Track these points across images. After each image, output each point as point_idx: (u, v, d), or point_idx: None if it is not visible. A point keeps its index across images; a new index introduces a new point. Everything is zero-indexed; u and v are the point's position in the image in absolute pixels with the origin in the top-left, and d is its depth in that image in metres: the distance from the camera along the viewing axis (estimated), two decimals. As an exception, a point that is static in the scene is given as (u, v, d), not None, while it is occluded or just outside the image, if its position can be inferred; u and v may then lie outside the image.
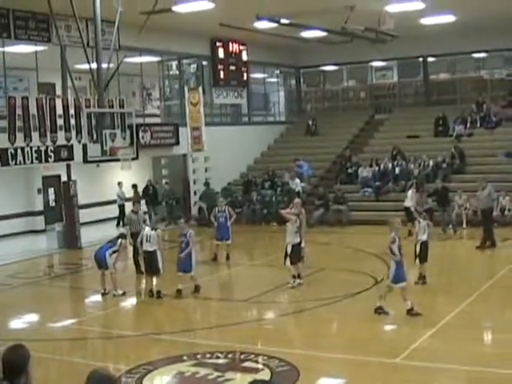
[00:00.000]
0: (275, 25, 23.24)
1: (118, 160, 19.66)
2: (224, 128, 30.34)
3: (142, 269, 16.39)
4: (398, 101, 34.42)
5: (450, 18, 25.62)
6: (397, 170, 26.53)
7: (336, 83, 36.42)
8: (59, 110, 21.49)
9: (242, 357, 10.66)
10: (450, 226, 22.48)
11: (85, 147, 20.63)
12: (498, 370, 9.70)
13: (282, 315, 13.94)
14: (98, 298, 15.94)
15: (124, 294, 15.68)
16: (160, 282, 15.45)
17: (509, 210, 23.18)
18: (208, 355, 10.80)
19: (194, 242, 15.58)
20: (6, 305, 15.59)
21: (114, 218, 27.70)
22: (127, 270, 18.21)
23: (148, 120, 27.11)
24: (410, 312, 12.57)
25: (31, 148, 20.52)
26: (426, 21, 25.81)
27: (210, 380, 9.88)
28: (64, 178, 23.35)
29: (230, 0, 20.96)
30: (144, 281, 16.24)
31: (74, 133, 21.78)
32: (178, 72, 29.81)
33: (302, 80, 36.64)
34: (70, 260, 21.33)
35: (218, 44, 29.53)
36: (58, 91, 24.35)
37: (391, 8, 22.26)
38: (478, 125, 28.57)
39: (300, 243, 15.78)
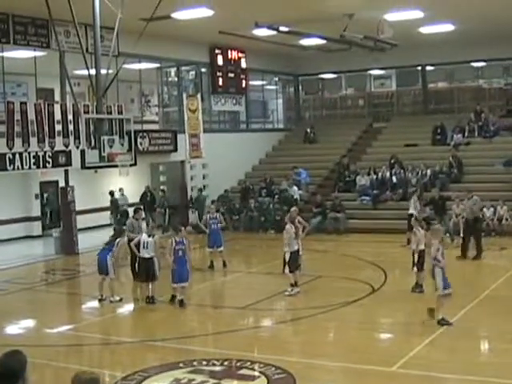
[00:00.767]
0: (274, 32, 23.33)
1: (116, 166, 19.65)
2: (222, 135, 30.36)
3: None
4: (396, 109, 34.50)
5: (448, 27, 25.69)
6: (394, 179, 26.55)
7: (334, 91, 36.49)
8: (57, 116, 21.47)
9: (239, 364, 10.63)
10: (448, 235, 22.45)
11: (83, 153, 20.64)
12: (494, 379, 9.67)
13: (278, 323, 13.92)
14: (94, 304, 15.91)
15: (121, 300, 15.65)
16: (155, 288, 15.40)
17: (506, 220, 23.20)
18: (204, 362, 10.77)
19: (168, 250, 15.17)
20: (3, 310, 15.53)
21: (111, 225, 27.65)
22: (124, 276, 18.17)
23: (146, 126, 27.13)
24: (440, 321, 12.40)
25: (29, 153, 20.50)
26: (425, 30, 25.90)
27: (206, 387, 9.86)
28: (62, 184, 23.34)
29: (230, 7, 21.00)
30: (139, 287, 16.18)
31: (72, 138, 21.75)
32: (176, 79, 29.87)
33: (300, 88, 36.71)
34: (67, 266, 21.27)
35: (216, 51, 29.59)
36: (57, 97, 24.39)
37: (390, 17, 22.33)
38: (476, 134, 28.63)
39: (298, 251, 15.76)
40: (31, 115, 20.59)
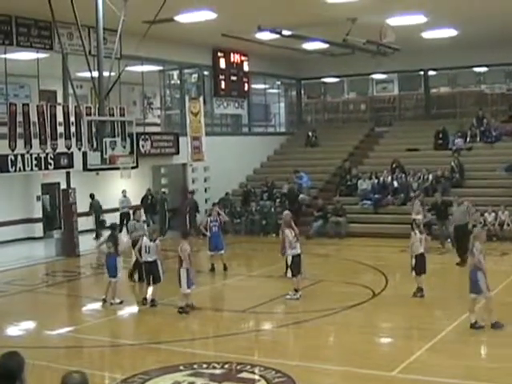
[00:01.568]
0: (277, 36, 23.32)
1: (118, 168, 19.65)
2: (224, 138, 30.35)
3: (135, 277, 16.37)
4: (398, 114, 34.50)
5: (451, 32, 25.72)
6: (396, 184, 26.54)
7: (337, 95, 36.50)
8: (60, 118, 21.55)
9: (239, 367, 10.62)
10: (449, 240, 22.43)
11: (85, 155, 20.63)
12: (495, 384, 9.69)
13: (279, 326, 13.90)
14: (95, 306, 15.92)
15: (121, 302, 15.65)
16: (157, 291, 15.42)
17: (508, 225, 23.18)
18: (205, 365, 10.77)
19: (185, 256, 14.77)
20: (3, 312, 15.55)
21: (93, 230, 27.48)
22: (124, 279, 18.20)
23: (148, 129, 27.14)
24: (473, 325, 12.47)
25: (31, 155, 20.55)
26: (428, 34, 25.92)
27: (206, 390, 9.86)
28: (63, 186, 23.35)
29: (232, 11, 21.02)
30: (143, 289, 16.20)
31: (74, 140, 21.83)
32: (179, 81, 29.85)
33: (302, 91, 36.72)
34: (68, 268, 21.28)
35: (219, 54, 29.59)
36: (59, 99, 24.41)
37: (393, 21, 22.35)
38: (478, 139, 28.62)
39: (300, 254, 15.73)
40: (33, 117, 20.66)
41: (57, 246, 23.11)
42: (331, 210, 26.16)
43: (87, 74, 19.94)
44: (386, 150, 30.36)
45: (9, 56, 21.38)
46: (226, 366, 10.74)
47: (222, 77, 29.84)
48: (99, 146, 19.06)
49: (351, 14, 21.74)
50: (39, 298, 17.57)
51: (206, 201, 28.89)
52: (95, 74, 19.45)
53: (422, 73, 33.26)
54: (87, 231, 25.94)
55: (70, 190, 23.00)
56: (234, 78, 30.42)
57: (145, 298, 15.34)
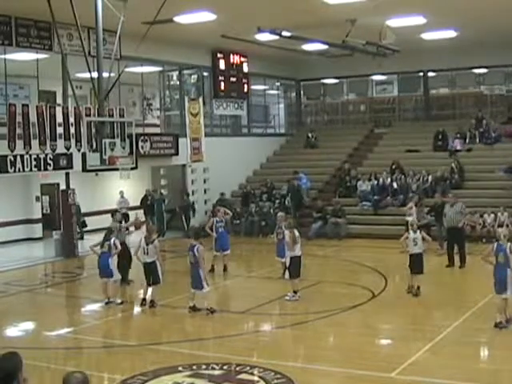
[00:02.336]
0: (276, 37, 23.33)
1: (117, 169, 19.66)
2: (223, 139, 30.36)
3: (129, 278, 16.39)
4: (397, 115, 34.48)
5: (450, 34, 25.74)
6: (395, 185, 26.53)
7: (336, 96, 36.47)
8: (59, 118, 21.54)
9: (238, 369, 10.61)
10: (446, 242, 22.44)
11: (84, 156, 20.63)
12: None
13: (278, 328, 13.90)
14: (94, 307, 15.92)
15: (122, 303, 15.65)
16: (157, 292, 15.41)
17: (507, 226, 23.15)
18: (204, 366, 10.76)
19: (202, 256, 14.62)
20: (2, 312, 15.54)
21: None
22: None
23: (148, 130, 27.13)
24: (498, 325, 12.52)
25: (30, 156, 20.55)
26: (427, 36, 25.95)
27: (205, 391, 9.86)
28: (63, 187, 23.35)
29: (232, 12, 21.02)
30: (142, 290, 16.21)
31: (73, 141, 21.82)
32: (178, 82, 29.84)
33: (302, 93, 36.71)
34: (67, 268, 21.27)
35: (219, 55, 29.58)
36: (59, 99, 24.40)
37: (393, 22, 22.36)
38: (478, 140, 28.63)
39: (300, 256, 15.71)
40: (33, 117, 20.65)
41: (56, 246, 23.09)
42: (330, 211, 26.15)
43: (87, 75, 19.95)
44: (386, 151, 30.36)
45: (8, 56, 21.37)
46: (226, 367, 10.74)
47: (221, 78, 29.83)
48: (98, 146, 19.07)
49: (351, 15, 21.75)
50: (38, 299, 17.55)
51: (205, 202, 28.91)
52: (95, 74, 19.47)
53: (421, 74, 33.26)
54: (86, 232, 25.93)
55: (70, 191, 22.99)
56: (233, 79, 30.41)
57: (144, 299, 15.33)
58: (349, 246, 24.14)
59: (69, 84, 20.86)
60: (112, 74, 20.13)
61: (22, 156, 20.27)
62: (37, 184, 26.28)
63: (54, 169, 21.52)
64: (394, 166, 27.43)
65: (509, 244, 12.75)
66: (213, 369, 10.66)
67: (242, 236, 26.47)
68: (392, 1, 20.15)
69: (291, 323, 14.04)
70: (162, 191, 29.10)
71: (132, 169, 20.18)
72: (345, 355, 11.62)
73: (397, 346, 12.42)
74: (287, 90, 36.67)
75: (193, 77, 30.69)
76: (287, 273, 15.73)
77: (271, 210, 27.30)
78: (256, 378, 10.28)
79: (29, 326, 14.81)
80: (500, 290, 12.59)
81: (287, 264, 15.66)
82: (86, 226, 26.70)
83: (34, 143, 20.67)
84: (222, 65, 29.77)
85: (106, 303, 15.63)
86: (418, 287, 15.51)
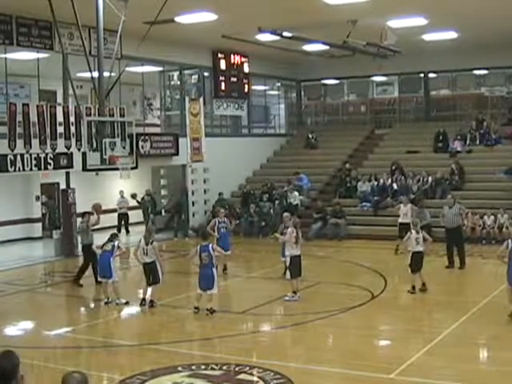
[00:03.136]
0: (277, 38, 23.35)
1: (117, 169, 19.65)
2: (224, 139, 30.36)
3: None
4: (398, 116, 34.49)
5: (451, 35, 25.75)
6: (395, 186, 26.52)
7: (336, 97, 36.49)
8: (60, 118, 21.54)
9: (237, 369, 10.60)
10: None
11: (84, 155, 20.62)
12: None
13: (277, 328, 13.90)
14: (93, 306, 15.89)
15: (127, 303, 15.61)
16: (157, 292, 15.41)
17: (507, 228, 23.15)
18: (203, 366, 10.75)
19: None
20: (2, 311, 15.53)
21: (111, 227, 27.51)
22: (125, 280, 18.21)
23: (148, 130, 27.15)
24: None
25: (31, 155, 20.55)
26: (428, 37, 25.97)
27: (204, 392, 9.85)
28: (63, 186, 23.35)
29: (233, 12, 21.02)
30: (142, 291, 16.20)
31: (73, 141, 21.82)
32: (179, 82, 29.86)
33: (302, 93, 36.73)
34: (67, 268, 21.24)
35: (219, 55, 29.59)
36: (59, 99, 24.41)
37: (393, 23, 22.36)
38: (478, 142, 28.63)
39: (299, 256, 15.70)
40: (33, 117, 20.66)
41: (56, 246, 23.08)
42: (330, 211, 26.15)
43: (87, 75, 19.96)
44: (386, 152, 30.37)
45: (9, 56, 21.39)
46: (225, 367, 10.73)
47: (222, 78, 29.84)
48: (99, 146, 19.06)
49: (352, 15, 21.74)
50: (38, 298, 17.56)
51: (205, 202, 28.91)
52: (95, 74, 19.46)
53: (422, 75, 33.28)
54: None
55: (70, 191, 22.99)
56: (234, 79, 30.42)
57: (144, 299, 15.32)
58: (349, 247, 24.14)
59: (69, 83, 20.85)
60: (113, 74, 20.14)
61: (22, 155, 20.27)
62: (37, 183, 26.28)
63: (55, 168, 21.52)
64: (394, 167, 27.44)
65: None
66: (212, 369, 10.66)
67: (241, 236, 26.46)
68: (393, 2, 20.17)
69: (291, 324, 14.02)
70: (151, 194, 28.47)
71: (132, 168, 20.17)
72: (344, 356, 11.61)
73: (396, 346, 12.41)
74: (288, 90, 36.68)
75: (193, 77, 30.69)
76: (288, 273, 15.72)
77: (271, 211, 27.31)
78: (255, 379, 10.27)
79: (28, 325, 14.80)
80: None
81: (287, 263, 15.66)
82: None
83: (35, 142, 20.67)
84: (222, 65, 29.77)
85: (106, 303, 15.63)
86: (424, 283, 15.71)
